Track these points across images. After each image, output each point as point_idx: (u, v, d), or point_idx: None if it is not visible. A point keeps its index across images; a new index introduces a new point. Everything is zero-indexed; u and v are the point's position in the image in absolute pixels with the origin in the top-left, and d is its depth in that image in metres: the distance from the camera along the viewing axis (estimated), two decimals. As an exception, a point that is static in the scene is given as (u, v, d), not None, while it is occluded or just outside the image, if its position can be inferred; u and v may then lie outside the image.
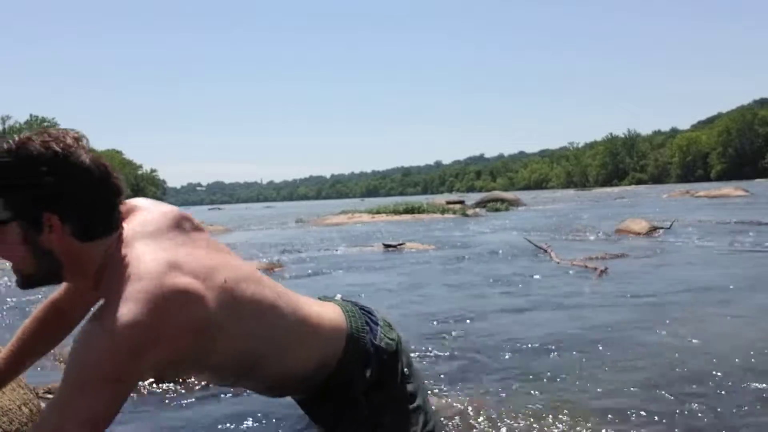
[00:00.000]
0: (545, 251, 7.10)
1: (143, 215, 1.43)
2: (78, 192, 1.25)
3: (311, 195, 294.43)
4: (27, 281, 1.32)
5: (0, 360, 1.58)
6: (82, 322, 1.36)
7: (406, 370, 1.70)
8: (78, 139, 1.28)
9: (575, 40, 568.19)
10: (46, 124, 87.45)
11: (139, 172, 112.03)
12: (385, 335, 1.68)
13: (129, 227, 1.36)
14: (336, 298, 1.82)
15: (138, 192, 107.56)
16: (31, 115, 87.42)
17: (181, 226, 1.47)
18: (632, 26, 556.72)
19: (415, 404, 1.69)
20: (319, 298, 1.75)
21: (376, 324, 1.69)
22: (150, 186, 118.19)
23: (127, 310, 1.18)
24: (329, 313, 1.63)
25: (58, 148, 1.23)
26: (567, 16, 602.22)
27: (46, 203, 1.24)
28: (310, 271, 6.80)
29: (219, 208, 70.33)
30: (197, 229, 1.55)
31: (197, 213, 47.78)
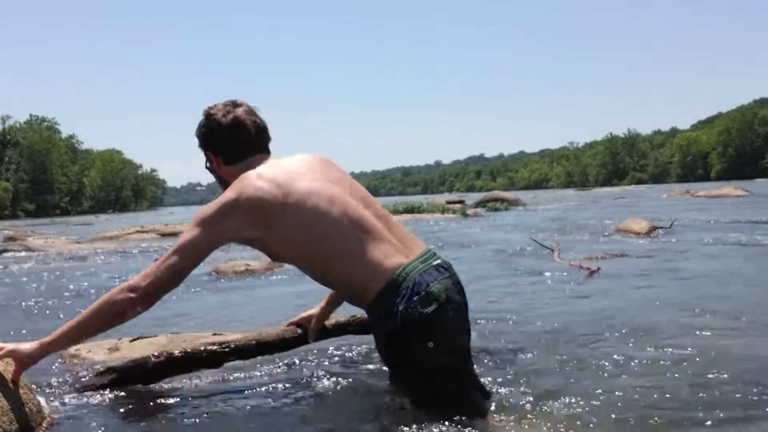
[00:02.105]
0: (552, 251, 7.09)
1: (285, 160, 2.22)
2: (218, 138, 2.20)
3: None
4: (222, 186, 2.25)
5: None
6: None
7: (431, 344, 1.91)
8: (227, 106, 2.21)
9: (575, 40, 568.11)
10: (45, 123, 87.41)
11: (139, 172, 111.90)
12: (417, 305, 1.91)
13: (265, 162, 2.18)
14: (428, 251, 2.11)
15: (138, 191, 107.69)
16: (31, 115, 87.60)
17: (307, 160, 2.18)
18: (632, 26, 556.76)
19: (426, 378, 1.94)
20: (425, 255, 2.07)
21: (416, 292, 1.92)
22: (150, 185, 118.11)
23: (227, 191, 2.10)
24: (383, 258, 1.98)
25: (208, 117, 2.21)
26: (567, 16, 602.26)
27: (207, 146, 2.26)
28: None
29: (219, 208, 69.94)
30: (326, 163, 2.21)
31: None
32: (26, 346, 2.04)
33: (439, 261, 2.08)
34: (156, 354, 2.50)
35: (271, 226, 2.01)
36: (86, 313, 2.02)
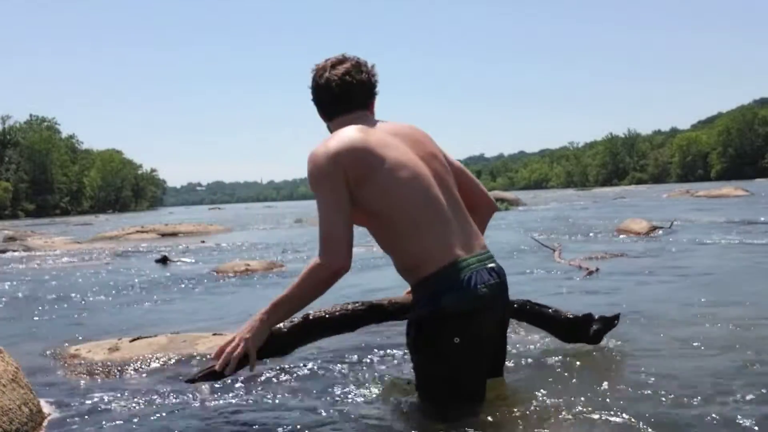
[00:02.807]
0: (553, 251, 7.09)
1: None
2: (316, 96, 2.26)
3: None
4: None
5: None
6: None
7: (456, 340, 1.97)
8: (325, 65, 2.21)
9: (575, 40, 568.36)
10: (45, 123, 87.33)
11: (139, 172, 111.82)
12: (460, 300, 1.98)
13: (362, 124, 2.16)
14: (486, 251, 2.13)
15: (138, 191, 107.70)
16: (31, 115, 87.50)
17: (404, 131, 2.20)
18: (632, 26, 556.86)
19: (442, 368, 2.01)
20: (482, 255, 2.10)
21: (464, 288, 1.98)
22: (150, 185, 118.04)
23: (321, 144, 2.11)
24: (445, 245, 2.03)
25: (312, 76, 2.25)
26: (567, 15, 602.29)
27: (314, 102, 2.28)
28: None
29: (219, 208, 70.31)
30: (421, 137, 2.23)
31: (197, 213, 47.86)
32: (250, 332, 2.03)
33: (493, 264, 2.10)
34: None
35: (358, 185, 2.04)
36: (295, 286, 2.03)
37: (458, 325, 1.98)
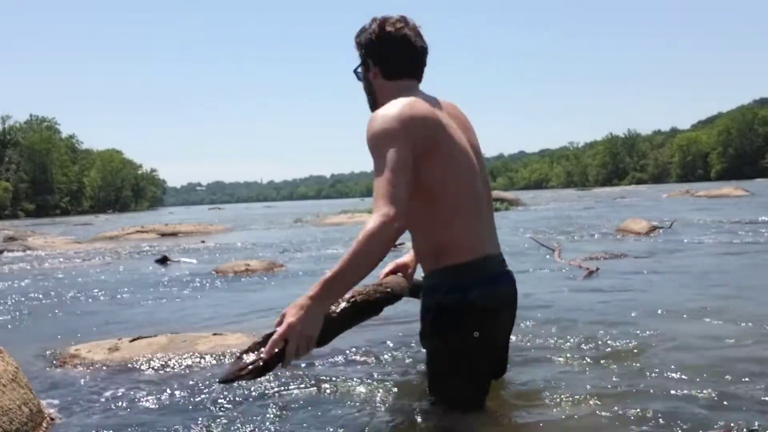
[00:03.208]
0: (553, 251, 7.08)
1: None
2: (385, 48, 2.13)
3: (311, 195, 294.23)
4: (370, 99, 2.24)
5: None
6: None
7: (476, 334, 1.99)
8: (400, 20, 2.13)
9: (576, 40, 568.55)
10: (45, 123, 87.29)
11: (139, 172, 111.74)
12: (487, 297, 2.01)
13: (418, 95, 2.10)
14: (501, 255, 2.17)
15: (138, 191, 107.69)
16: (31, 115, 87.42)
17: (448, 107, 2.19)
18: (632, 26, 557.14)
19: (456, 358, 2.00)
20: (501, 257, 2.16)
21: (490, 285, 2.03)
22: (150, 185, 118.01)
23: (389, 105, 2.01)
24: (478, 238, 2.05)
25: (381, 26, 2.13)
26: (567, 15, 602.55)
27: (371, 53, 2.16)
28: (310, 271, 6.81)
29: (219, 208, 70.33)
30: (463, 116, 2.25)
31: (197, 213, 47.83)
32: (299, 319, 1.73)
33: (509, 268, 2.17)
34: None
35: (422, 157, 1.96)
36: (353, 254, 1.80)
37: (480, 320, 2.00)
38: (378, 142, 1.94)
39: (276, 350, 1.70)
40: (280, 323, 1.75)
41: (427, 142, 1.97)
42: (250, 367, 1.70)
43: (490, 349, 2.06)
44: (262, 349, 1.73)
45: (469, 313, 1.99)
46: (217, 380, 2.00)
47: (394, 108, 1.98)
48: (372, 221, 1.81)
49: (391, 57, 2.14)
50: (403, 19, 2.14)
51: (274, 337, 1.72)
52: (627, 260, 6.37)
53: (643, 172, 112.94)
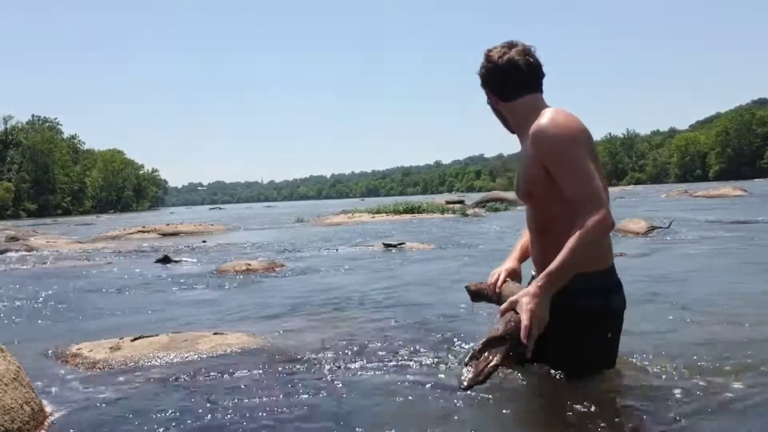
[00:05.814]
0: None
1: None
2: (494, 78, 2.35)
3: (312, 195, 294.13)
4: (502, 121, 2.47)
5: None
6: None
7: (609, 335, 2.24)
8: (503, 48, 2.33)
9: (575, 40, 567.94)
10: (47, 124, 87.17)
11: (141, 172, 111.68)
12: (621, 301, 2.27)
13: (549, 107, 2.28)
14: None
15: (139, 191, 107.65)
16: (33, 115, 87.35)
17: None
18: (632, 26, 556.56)
19: (593, 354, 2.23)
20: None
21: (620, 291, 2.28)
22: (151, 186, 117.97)
23: (555, 114, 2.20)
24: (609, 247, 2.24)
25: (487, 59, 2.35)
26: (566, 15, 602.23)
27: (486, 84, 2.41)
28: (310, 271, 6.83)
29: (220, 208, 70.34)
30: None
31: (198, 213, 47.76)
32: (538, 307, 2.06)
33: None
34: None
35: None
36: (575, 247, 2.04)
37: (615, 323, 2.26)
38: (568, 144, 2.14)
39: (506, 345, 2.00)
40: (507, 310, 2.10)
41: (593, 153, 2.19)
42: (493, 362, 1.98)
43: (616, 347, 2.30)
44: (493, 350, 2.00)
45: (610, 316, 2.23)
46: (461, 387, 2.02)
47: (571, 118, 2.20)
48: (591, 221, 2.02)
49: (501, 83, 2.35)
50: (508, 45, 2.34)
51: (525, 323, 2.00)
52: (625, 260, 6.38)
53: (641, 173, 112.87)
